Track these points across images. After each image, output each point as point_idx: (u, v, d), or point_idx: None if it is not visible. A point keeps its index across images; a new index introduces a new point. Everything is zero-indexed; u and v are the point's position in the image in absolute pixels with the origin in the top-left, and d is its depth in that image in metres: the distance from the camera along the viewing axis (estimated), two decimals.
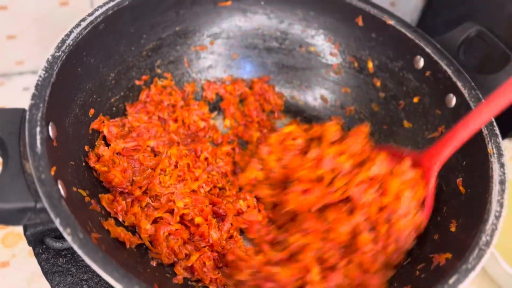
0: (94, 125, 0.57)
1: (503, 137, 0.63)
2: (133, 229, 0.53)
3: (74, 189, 0.47)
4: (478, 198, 0.49)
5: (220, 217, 0.56)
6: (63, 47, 0.50)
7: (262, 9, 0.71)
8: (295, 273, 0.47)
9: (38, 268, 0.49)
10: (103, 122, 0.58)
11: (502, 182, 0.48)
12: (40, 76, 0.46)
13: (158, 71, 0.68)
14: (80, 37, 0.52)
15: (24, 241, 0.48)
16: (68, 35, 0.51)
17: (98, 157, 0.55)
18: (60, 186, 0.42)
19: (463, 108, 0.56)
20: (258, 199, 0.60)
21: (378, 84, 0.68)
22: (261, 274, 0.47)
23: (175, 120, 0.66)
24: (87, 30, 0.53)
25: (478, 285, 0.65)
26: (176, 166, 0.57)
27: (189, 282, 0.51)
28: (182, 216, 0.53)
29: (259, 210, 0.59)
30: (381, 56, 0.67)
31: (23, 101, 0.45)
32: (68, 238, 0.37)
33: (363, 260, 0.47)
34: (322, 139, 0.57)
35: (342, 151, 0.54)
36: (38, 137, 0.42)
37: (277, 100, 0.73)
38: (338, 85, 0.73)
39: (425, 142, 0.61)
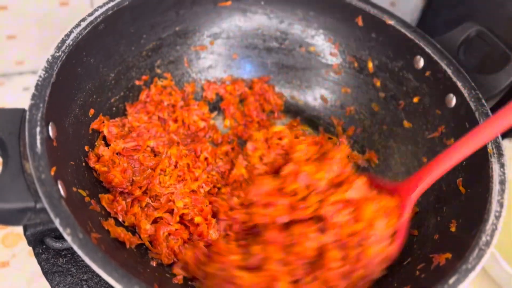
0: (94, 125, 0.57)
1: (503, 137, 0.63)
2: (133, 229, 0.53)
3: (74, 189, 0.48)
4: (478, 198, 0.49)
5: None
6: (63, 47, 0.50)
7: (262, 9, 0.71)
8: (260, 282, 0.45)
9: (38, 268, 0.49)
10: (103, 122, 0.58)
11: (502, 182, 0.48)
12: (40, 76, 0.46)
13: (158, 71, 0.68)
14: (80, 37, 0.52)
15: (24, 241, 0.48)
16: (68, 35, 0.51)
17: (98, 157, 0.55)
18: (60, 186, 0.42)
19: (463, 108, 0.56)
20: None
21: (378, 84, 0.68)
22: (225, 273, 0.46)
23: (175, 120, 0.66)
24: (87, 30, 0.53)
25: (478, 285, 0.65)
26: (176, 166, 0.57)
27: (189, 282, 0.51)
28: (182, 216, 0.53)
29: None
30: (381, 56, 0.67)
31: (23, 101, 0.45)
32: (68, 238, 0.37)
33: (329, 277, 0.46)
34: (290, 155, 0.56)
35: (319, 168, 0.53)
36: (38, 137, 0.42)
37: (277, 100, 0.73)
38: (338, 85, 0.73)
39: (425, 142, 0.61)
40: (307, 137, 0.66)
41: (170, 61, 0.69)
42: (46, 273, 0.48)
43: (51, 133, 0.45)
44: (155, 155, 0.59)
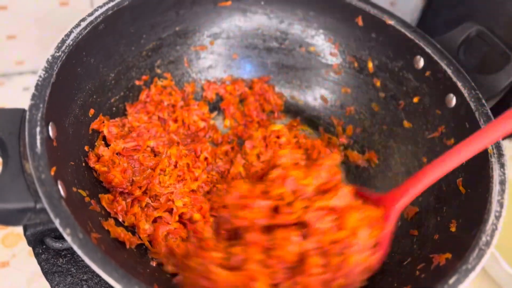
0: (94, 125, 0.57)
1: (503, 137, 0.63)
2: (132, 229, 0.53)
3: (74, 189, 0.48)
4: (478, 198, 0.49)
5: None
6: (63, 47, 0.50)
7: (262, 9, 0.71)
8: (237, 281, 0.45)
9: (38, 268, 0.49)
10: (103, 122, 0.58)
11: (502, 182, 0.48)
12: (40, 76, 0.46)
13: (158, 71, 0.68)
14: (80, 37, 0.52)
15: (24, 241, 0.47)
16: (68, 35, 0.51)
17: (98, 157, 0.55)
18: (60, 186, 0.42)
19: (463, 108, 0.56)
20: None
21: (378, 84, 0.68)
22: (203, 268, 0.46)
23: (175, 120, 0.66)
24: (87, 30, 0.53)
25: (478, 285, 0.65)
26: (175, 166, 0.57)
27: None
28: (180, 215, 0.53)
29: None
30: (381, 56, 0.67)
31: (23, 101, 0.45)
32: (68, 238, 0.37)
33: (309, 284, 0.45)
34: (274, 162, 0.56)
35: (307, 174, 0.53)
36: (38, 137, 0.42)
37: (277, 100, 0.73)
38: (338, 85, 0.73)
39: (425, 142, 0.61)
40: (291, 143, 0.65)
41: (170, 61, 0.69)
42: (46, 273, 0.48)
43: (51, 133, 0.45)
44: (155, 155, 0.59)
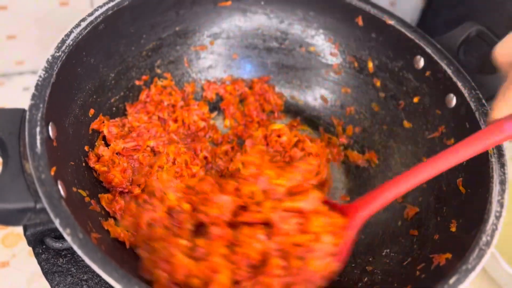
0: (94, 125, 0.57)
1: None
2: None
3: (74, 189, 0.48)
4: (478, 198, 0.49)
5: None
6: (63, 47, 0.50)
7: (262, 9, 0.71)
8: (198, 270, 0.45)
9: (38, 268, 0.49)
10: (103, 122, 0.58)
11: (502, 182, 0.48)
12: (40, 76, 0.46)
13: (158, 71, 0.68)
14: (80, 37, 0.52)
15: (24, 241, 0.47)
16: (68, 35, 0.51)
17: (98, 157, 0.55)
18: (60, 186, 0.42)
19: (463, 108, 0.56)
20: None
21: (378, 84, 0.68)
22: (166, 252, 0.46)
23: (175, 120, 0.66)
24: (87, 30, 0.53)
25: (478, 285, 0.65)
26: (174, 163, 0.57)
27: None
28: (170, 208, 0.53)
29: None
30: (381, 56, 0.67)
31: (23, 101, 0.45)
32: (68, 238, 0.37)
33: (270, 285, 0.45)
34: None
35: (280, 175, 0.53)
36: (38, 137, 0.42)
37: (277, 100, 0.73)
38: (338, 85, 0.73)
39: (425, 142, 0.61)
40: (291, 142, 0.65)
41: (170, 61, 0.69)
42: (46, 273, 0.48)
43: (51, 133, 0.45)
44: (154, 155, 0.59)
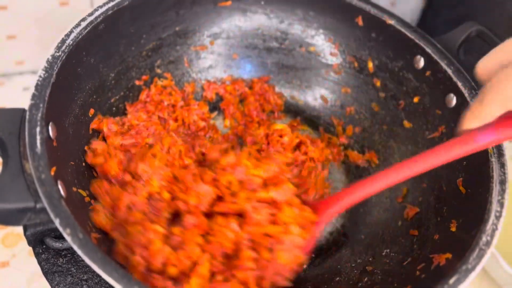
0: (94, 124, 0.57)
1: None
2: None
3: (74, 189, 0.48)
4: (478, 198, 0.49)
5: None
6: (63, 47, 0.50)
7: (262, 9, 0.71)
8: (175, 258, 0.45)
9: (38, 268, 0.48)
10: (102, 120, 0.58)
11: (503, 182, 0.48)
12: (40, 76, 0.46)
13: (158, 71, 0.68)
14: (80, 37, 0.52)
15: (24, 241, 0.47)
16: (68, 35, 0.51)
17: (95, 153, 0.54)
18: (60, 186, 0.42)
19: (463, 108, 0.56)
20: None
21: (378, 84, 0.68)
22: (143, 237, 0.45)
23: (175, 120, 0.66)
24: (87, 30, 0.53)
25: (478, 285, 0.65)
26: (168, 152, 0.57)
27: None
28: (151, 194, 0.52)
29: None
30: (381, 56, 0.67)
31: (23, 101, 0.45)
32: (68, 238, 0.37)
33: (244, 278, 0.46)
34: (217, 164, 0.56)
35: (258, 165, 0.53)
36: (38, 137, 0.42)
37: (277, 100, 0.73)
38: (338, 85, 0.73)
39: (425, 142, 0.61)
40: (293, 143, 0.65)
41: (170, 61, 0.69)
42: (46, 273, 0.48)
43: (51, 133, 0.45)
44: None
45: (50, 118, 0.45)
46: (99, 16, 0.55)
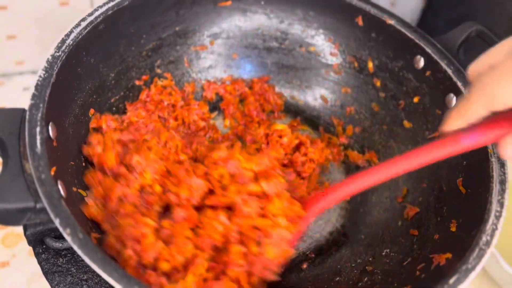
0: (93, 123, 0.56)
1: None
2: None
3: (74, 189, 0.48)
4: (478, 198, 0.49)
5: None
6: (63, 47, 0.50)
7: (262, 9, 0.71)
8: (168, 253, 0.44)
9: (38, 268, 0.49)
10: (101, 117, 0.57)
11: (502, 182, 0.48)
12: (40, 76, 0.46)
13: (158, 71, 0.68)
14: (80, 37, 0.52)
15: (24, 241, 0.47)
16: (68, 35, 0.51)
17: (91, 145, 0.54)
18: (60, 186, 0.42)
19: None
20: None
21: (378, 84, 0.68)
22: (134, 231, 0.45)
23: (175, 119, 0.66)
24: (87, 30, 0.53)
25: (478, 285, 0.65)
26: (165, 146, 0.56)
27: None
28: (143, 187, 0.52)
29: None
30: (381, 56, 0.67)
31: (23, 101, 0.45)
32: (68, 238, 0.37)
33: (237, 275, 0.46)
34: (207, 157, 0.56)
35: (249, 159, 0.53)
36: (38, 137, 0.42)
37: (277, 100, 0.73)
38: (338, 85, 0.73)
39: (425, 142, 0.61)
40: (292, 143, 0.66)
41: (170, 61, 0.69)
42: (46, 273, 0.48)
43: (51, 133, 0.45)
44: None
45: (50, 118, 0.45)
46: (99, 16, 0.55)
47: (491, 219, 0.45)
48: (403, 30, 0.63)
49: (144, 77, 0.66)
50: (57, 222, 0.38)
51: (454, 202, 0.53)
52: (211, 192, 0.52)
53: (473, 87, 0.40)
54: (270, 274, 0.48)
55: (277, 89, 0.75)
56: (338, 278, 0.55)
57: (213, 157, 0.53)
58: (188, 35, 0.70)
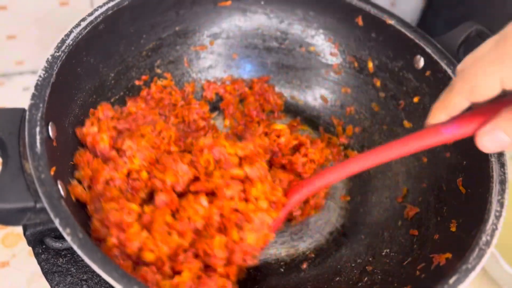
0: (90, 114, 0.56)
1: None
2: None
3: None
4: (478, 198, 0.49)
5: None
6: (63, 47, 0.50)
7: (262, 9, 0.71)
8: (153, 243, 0.44)
9: (38, 268, 0.49)
10: (97, 108, 0.57)
11: (502, 182, 0.48)
12: (40, 76, 0.46)
13: (158, 71, 0.68)
14: (80, 37, 0.52)
15: (24, 241, 0.47)
16: (68, 35, 0.51)
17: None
18: (60, 186, 0.42)
19: None
20: None
21: (378, 84, 0.68)
22: (117, 216, 0.45)
23: (176, 116, 0.65)
24: (87, 30, 0.53)
25: (478, 285, 0.65)
26: (159, 134, 0.56)
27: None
28: (130, 172, 0.52)
29: None
30: (381, 56, 0.67)
31: (23, 101, 0.45)
32: (68, 238, 0.37)
33: (225, 270, 0.47)
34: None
35: (234, 144, 0.55)
36: (37, 137, 0.42)
37: (277, 100, 0.73)
38: (338, 85, 0.73)
39: None
40: (290, 143, 0.66)
41: (170, 61, 0.69)
42: (46, 273, 0.48)
43: (51, 133, 0.45)
44: None
45: (50, 118, 0.45)
46: (99, 16, 0.55)
47: (491, 219, 0.45)
48: (403, 30, 0.63)
49: (144, 77, 0.66)
50: (57, 222, 0.38)
51: (454, 202, 0.53)
52: (196, 179, 0.52)
53: (456, 77, 0.42)
54: (250, 260, 0.48)
55: (277, 89, 0.75)
56: (338, 278, 0.55)
57: (199, 144, 0.54)
58: (188, 35, 0.70)
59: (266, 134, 0.65)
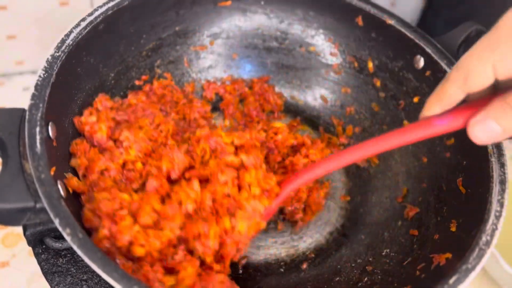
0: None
1: None
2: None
3: None
4: (478, 198, 0.49)
5: None
6: (63, 47, 0.50)
7: (262, 9, 0.71)
8: (144, 238, 0.44)
9: (38, 268, 0.49)
10: (95, 99, 0.57)
11: (502, 182, 0.48)
12: (39, 76, 0.46)
13: (158, 71, 0.68)
14: (80, 37, 0.52)
15: (24, 241, 0.47)
16: (68, 35, 0.51)
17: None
18: (60, 186, 0.42)
19: None
20: None
21: (378, 84, 0.68)
22: (109, 206, 0.45)
23: (177, 113, 0.65)
24: (87, 30, 0.53)
25: (478, 285, 0.65)
26: (157, 127, 0.56)
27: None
28: (125, 162, 0.52)
29: None
30: (381, 56, 0.67)
31: (23, 101, 0.45)
32: (68, 238, 0.37)
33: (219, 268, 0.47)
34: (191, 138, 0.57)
35: (230, 134, 0.55)
36: (37, 137, 0.42)
37: (277, 100, 0.73)
38: (338, 85, 0.73)
39: (425, 142, 0.61)
40: (287, 141, 0.66)
41: (170, 61, 0.70)
42: (46, 273, 0.48)
43: (51, 133, 0.45)
44: None
45: (50, 118, 0.45)
46: (99, 16, 0.55)
47: (491, 219, 0.45)
48: (403, 30, 0.63)
49: (144, 77, 0.66)
50: (56, 222, 0.38)
51: (454, 202, 0.53)
52: (191, 168, 0.53)
53: (452, 69, 0.42)
54: (242, 246, 0.48)
55: (277, 89, 0.75)
56: (338, 278, 0.55)
57: (196, 135, 0.55)
58: (188, 35, 0.70)
59: (265, 131, 0.65)
